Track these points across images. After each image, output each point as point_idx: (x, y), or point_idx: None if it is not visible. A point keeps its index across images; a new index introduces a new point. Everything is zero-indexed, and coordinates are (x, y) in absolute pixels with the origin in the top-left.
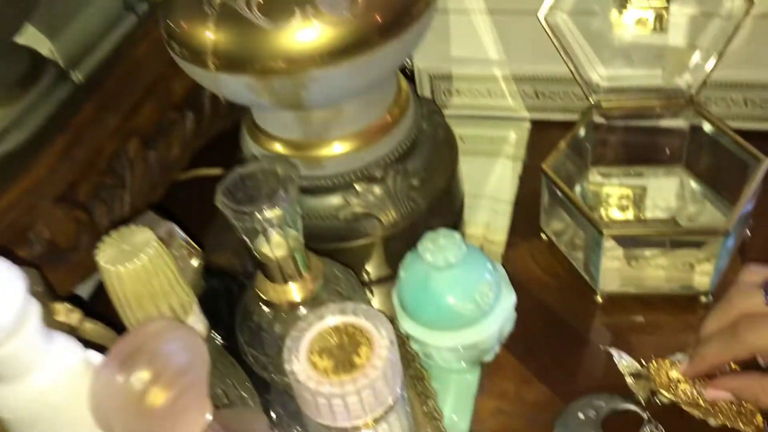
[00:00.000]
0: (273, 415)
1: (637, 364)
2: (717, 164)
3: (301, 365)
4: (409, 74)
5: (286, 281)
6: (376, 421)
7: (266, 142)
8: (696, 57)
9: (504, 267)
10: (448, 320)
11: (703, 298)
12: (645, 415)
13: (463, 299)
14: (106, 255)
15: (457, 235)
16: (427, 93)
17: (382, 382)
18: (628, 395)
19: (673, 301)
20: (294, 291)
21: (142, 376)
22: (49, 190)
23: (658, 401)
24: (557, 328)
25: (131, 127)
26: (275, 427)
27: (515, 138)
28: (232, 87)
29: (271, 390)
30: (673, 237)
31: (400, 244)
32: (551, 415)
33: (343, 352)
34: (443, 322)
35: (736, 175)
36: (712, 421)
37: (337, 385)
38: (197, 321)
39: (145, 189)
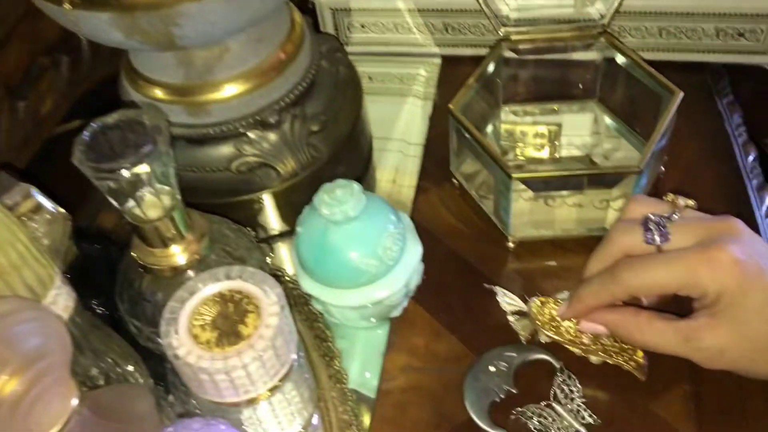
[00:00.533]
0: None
1: (521, 303)
2: (631, 98)
3: (180, 339)
4: (310, 7)
5: (165, 245)
6: (271, 392)
7: (145, 87)
8: None
9: (414, 214)
10: (350, 277)
11: None
12: (558, 365)
13: (365, 254)
14: None
15: (355, 186)
16: (330, 29)
17: (272, 352)
18: (542, 345)
19: (586, 243)
20: (176, 254)
21: None
22: None
23: (540, 340)
24: (468, 277)
25: None
26: (172, 403)
27: (425, 76)
28: (93, 26)
29: (166, 361)
30: (584, 177)
31: (302, 196)
32: (463, 368)
33: (228, 322)
34: (345, 279)
35: (651, 109)
36: (593, 359)
37: (220, 359)
38: (60, 294)
39: (14, 145)
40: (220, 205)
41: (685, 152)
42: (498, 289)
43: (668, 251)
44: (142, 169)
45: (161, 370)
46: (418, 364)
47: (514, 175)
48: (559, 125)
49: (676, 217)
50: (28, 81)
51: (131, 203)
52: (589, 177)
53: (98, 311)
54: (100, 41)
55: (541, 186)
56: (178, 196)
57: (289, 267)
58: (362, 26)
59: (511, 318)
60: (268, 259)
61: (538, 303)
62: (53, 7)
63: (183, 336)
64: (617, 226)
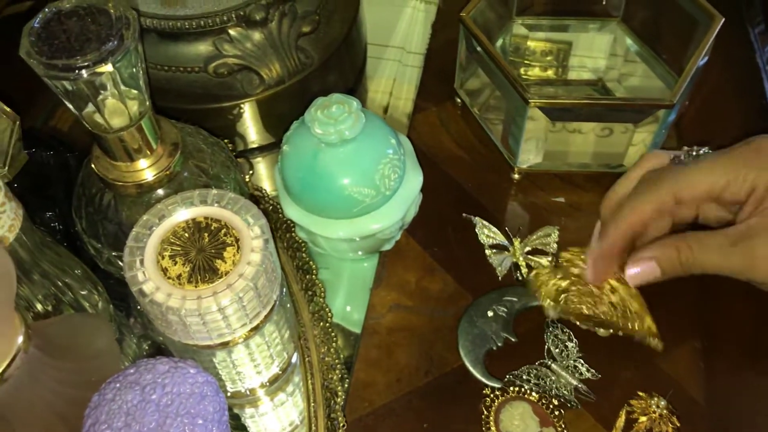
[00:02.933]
0: (130, 315)
1: (501, 236)
2: (659, 20)
3: (147, 272)
4: None
5: (131, 158)
6: (248, 334)
7: None
8: None
9: (410, 134)
10: (342, 207)
11: None
12: (547, 321)
13: (360, 182)
14: None
15: (354, 103)
16: None
17: (252, 293)
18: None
19: (597, 180)
20: (144, 169)
21: None
22: None
23: (519, 276)
24: (467, 209)
25: None
26: (141, 339)
27: None
28: None
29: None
30: (608, 108)
31: (287, 106)
32: (457, 310)
33: (203, 255)
34: (335, 208)
35: (681, 33)
36: (601, 331)
37: (193, 299)
38: (5, 212)
39: None
40: (194, 111)
41: (709, 83)
42: (477, 220)
43: None
44: (106, 68)
45: (122, 289)
46: (407, 303)
47: (532, 101)
48: (570, 44)
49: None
50: None
51: (91, 108)
52: (614, 108)
53: (52, 225)
54: None
55: (560, 114)
56: (148, 102)
57: (268, 185)
58: None
59: (488, 251)
60: (247, 178)
61: (541, 274)
62: None
63: (150, 269)
64: (642, 156)
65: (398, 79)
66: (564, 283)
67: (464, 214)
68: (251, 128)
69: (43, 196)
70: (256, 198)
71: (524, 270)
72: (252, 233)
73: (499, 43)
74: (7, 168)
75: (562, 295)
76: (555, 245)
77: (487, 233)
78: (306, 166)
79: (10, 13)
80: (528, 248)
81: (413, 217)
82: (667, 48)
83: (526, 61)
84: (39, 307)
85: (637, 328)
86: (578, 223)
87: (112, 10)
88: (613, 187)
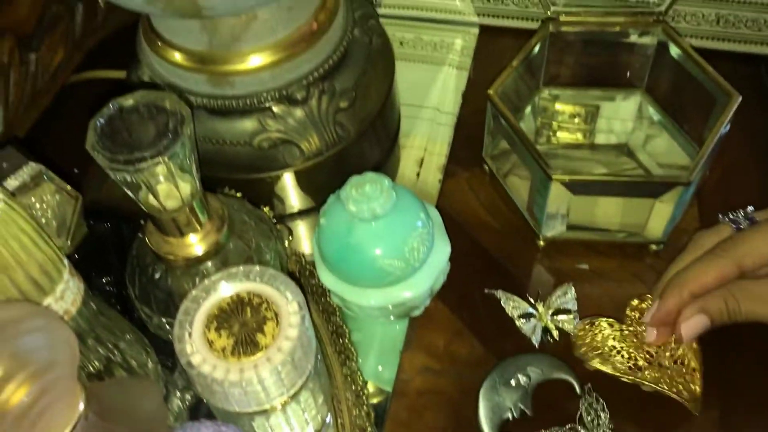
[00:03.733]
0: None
1: (526, 304)
2: (681, 93)
3: (194, 344)
4: None
5: (182, 233)
6: (285, 403)
7: (164, 50)
8: None
9: (440, 200)
10: (373, 277)
11: (653, 247)
12: (584, 387)
13: (390, 255)
14: None
15: (386, 181)
16: None
17: (290, 366)
18: (565, 360)
19: (621, 248)
20: (194, 244)
21: None
22: None
23: (549, 339)
24: (494, 274)
25: (3, 24)
26: (184, 390)
27: (461, 45)
28: None
29: None
30: (628, 184)
31: (326, 175)
32: (482, 374)
33: (246, 329)
34: (367, 278)
35: (702, 107)
36: (645, 387)
37: (236, 372)
38: (68, 289)
39: (24, 100)
40: (239, 180)
41: (731, 151)
42: (501, 293)
43: None
44: (162, 162)
45: (169, 347)
46: (436, 366)
47: (555, 177)
48: (597, 107)
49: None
50: (40, 31)
51: (147, 194)
52: (633, 184)
53: (107, 289)
54: (119, 3)
55: (581, 189)
56: (199, 185)
57: (306, 246)
58: None
59: (518, 322)
60: (287, 243)
61: (582, 328)
62: None
63: (197, 341)
64: (694, 239)
65: (432, 136)
66: (608, 337)
67: (486, 290)
68: (292, 195)
69: (99, 262)
70: (297, 262)
71: (555, 333)
72: (290, 309)
73: (528, 110)
74: (69, 242)
75: (615, 351)
76: (575, 302)
77: (513, 304)
78: (340, 239)
79: (73, 81)
80: (551, 310)
81: (442, 284)
82: (688, 119)
83: (554, 123)
84: (91, 367)
85: (684, 391)
86: (600, 290)
87: (168, 107)
88: (673, 265)
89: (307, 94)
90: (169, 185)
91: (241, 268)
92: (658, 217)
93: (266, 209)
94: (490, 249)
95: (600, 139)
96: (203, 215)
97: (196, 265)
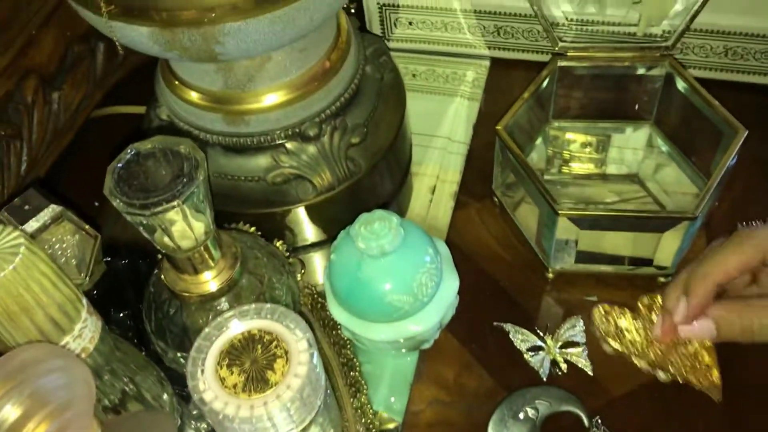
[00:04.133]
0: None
1: (534, 337)
2: (689, 126)
3: (207, 381)
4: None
5: (197, 271)
6: None
7: (182, 90)
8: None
9: (451, 231)
10: (383, 312)
11: (661, 279)
12: (593, 421)
13: (399, 290)
14: None
15: (394, 219)
16: (376, 24)
17: (299, 402)
18: (574, 392)
19: (630, 280)
20: (208, 281)
21: (11, 414)
22: None
23: (558, 372)
24: (504, 306)
25: (28, 65)
26: (199, 420)
27: (473, 77)
28: (130, 37)
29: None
30: (635, 219)
31: (338, 209)
32: (491, 406)
33: (256, 366)
34: (377, 314)
35: (710, 141)
36: (661, 375)
37: (246, 408)
38: (86, 327)
39: (48, 137)
40: (253, 214)
41: (740, 182)
42: (509, 326)
43: None
44: (176, 206)
45: (183, 379)
46: (446, 398)
47: (561, 212)
48: (609, 136)
49: None
50: (63, 71)
51: (163, 235)
52: (640, 219)
53: (124, 323)
54: (137, 50)
55: (589, 223)
56: (213, 226)
57: (321, 277)
58: (410, 23)
59: (526, 356)
60: (299, 276)
61: (602, 311)
62: (90, 14)
63: (209, 378)
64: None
65: (444, 164)
66: (625, 322)
67: (495, 323)
68: (305, 228)
69: (116, 298)
70: (309, 295)
71: (563, 365)
72: (300, 347)
73: (539, 140)
74: (88, 279)
75: (625, 333)
76: (583, 335)
77: (521, 337)
78: (350, 274)
79: (94, 116)
80: (560, 343)
81: (452, 317)
82: (697, 152)
83: (566, 152)
84: (107, 401)
85: (702, 382)
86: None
87: (183, 151)
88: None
89: (319, 131)
90: (183, 226)
91: (253, 305)
92: (665, 249)
93: (279, 243)
94: (500, 280)
95: (611, 168)
96: (217, 253)
97: (210, 301)
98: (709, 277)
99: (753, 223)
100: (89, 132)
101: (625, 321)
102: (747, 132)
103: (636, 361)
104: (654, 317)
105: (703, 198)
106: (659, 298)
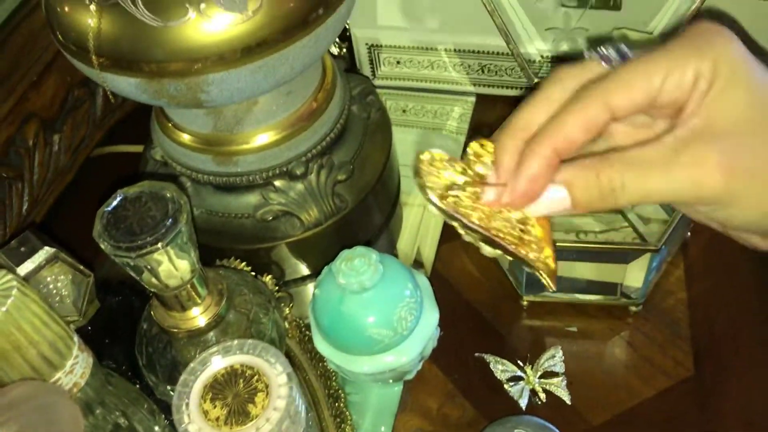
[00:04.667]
0: None
1: (514, 368)
2: None
3: (191, 414)
4: (347, 37)
5: (184, 308)
6: None
7: (174, 132)
8: None
9: (436, 261)
10: (364, 346)
11: (632, 308)
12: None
13: (379, 325)
14: None
15: (373, 255)
16: (365, 63)
17: None
18: (553, 421)
19: (607, 309)
20: (195, 317)
21: None
22: None
23: (537, 401)
24: (485, 335)
25: (29, 109)
26: None
27: (460, 113)
28: (121, 87)
29: None
30: (599, 251)
31: (326, 243)
32: None
33: (238, 400)
34: (358, 347)
35: None
36: (486, 249)
37: None
38: (78, 363)
39: (49, 177)
40: (243, 250)
41: None
42: (490, 357)
43: None
44: (161, 248)
45: None
46: (429, 428)
47: None
48: None
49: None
50: (63, 113)
51: (150, 275)
52: (603, 251)
53: (116, 358)
54: (127, 98)
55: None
56: (198, 265)
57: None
58: (398, 62)
59: (506, 386)
60: (287, 310)
61: (429, 157)
62: (83, 65)
63: (194, 411)
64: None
65: None
66: (460, 179)
67: (476, 354)
68: (293, 262)
69: (110, 333)
70: (297, 328)
71: (542, 395)
72: (279, 381)
73: None
74: (82, 317)
75: (453, 192)
76: (562, 364)
77: (502, 368)
78: (332, 309)
79: (94, 155)
80: (539, 372)
81: (433, 348)
82: None
83: None
84: None
85: (531, 256)
86: (589, 352)
87: (168, 195)
88: (512, 118)
89: (306, 169)
90: (169, 267)
91: (236, 341)
92: (633, 280)
93: (268, 278)
94: (482, 310)
95: None
96: (203, 290)
97: (197, 337)
98: (545, 142)
99: (608, 48)
100: (88, 171)
101: (456, 174)
102: None
103: (461, 231)
104: (483, 171)
105: (666, 230)
106: (490, 146)
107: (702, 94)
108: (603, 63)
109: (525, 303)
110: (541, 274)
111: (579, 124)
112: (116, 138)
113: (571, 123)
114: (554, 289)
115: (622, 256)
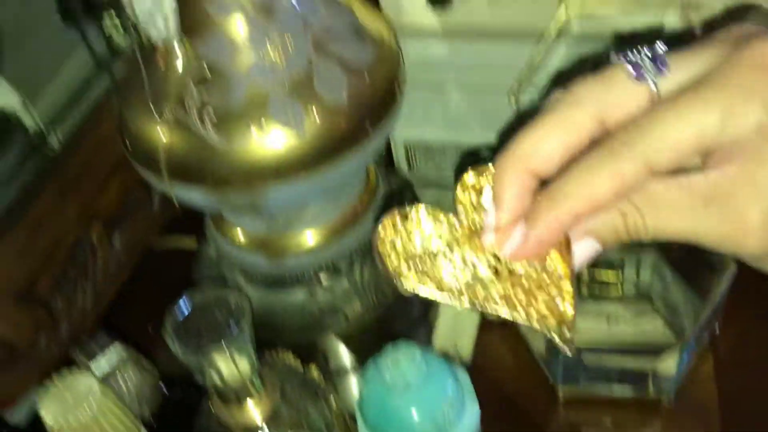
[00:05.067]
0: None
1: None
2: (690, 253)
3: None
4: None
5: (241, 402)
6: None
7: (229, 230)
8: None
9: (475, 354)
10: None
11: (665, 402)
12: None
13: (424, 420)
14: (49, 410)
15: (417, 352)
16: (402, 161)
17: None
18: None
19: (640, 402)
20: (251, 410)
21: None
22: (6, 288)
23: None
24: (522, 426)
25: (94, 211)
26: None
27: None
28: (186, 196)
29: None
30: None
31: (369, 335)
32: None
33: None
34: None
35: (705, 270)
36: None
37: None
38: None
39: (110, 273)
40: (289, 342)
41: (750, 305)
42: None
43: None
44: (225, 351)
45: None
46: None
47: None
48: (622, 258)
49: (661, 48)
50: (125, 213)
51: (212, 374)
52: (628, 351)
53: None
54: (190, 205)
55: (588, 352)
56: (256, 364)
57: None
58: (438, 165)
59: None
60: (333, 401)
61: (391, 222)
62: (150, 174)
63: None
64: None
65: None
66: (446, 241)
67: None
68: (335, 354)
69: (173, 426)
70: (344, 422)
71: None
72: None
73: None
74: (147, 411)
75: (441, 256)
76: None
77: None
78: (377, 405)
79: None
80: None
81: None
82: (696, 281)
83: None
84: None
85: (545, 311)
86: None
87: (231, 299)
88: (516, 141)
89: (350, 267)
90: (231, 367)
91: None
92: (662, 373)
93: (314, 370)
94: (519, 401)
95: (628, 287)
96: (259, 385)
97: (253, 430)
98: (565, 205)
99: (640, 51)
100: (146, 265)
101: (437, 240)
102: (735, 269)
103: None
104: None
105: (689, 329)
106: (490, 172)
107: (743, 145)
108: (633, 71)
109: (561, 395)
110: (559, 338)
111: (610, 186)
112: (173, 230)
113: (599, 184)
114: (572, 355)
115: (650, 351)
